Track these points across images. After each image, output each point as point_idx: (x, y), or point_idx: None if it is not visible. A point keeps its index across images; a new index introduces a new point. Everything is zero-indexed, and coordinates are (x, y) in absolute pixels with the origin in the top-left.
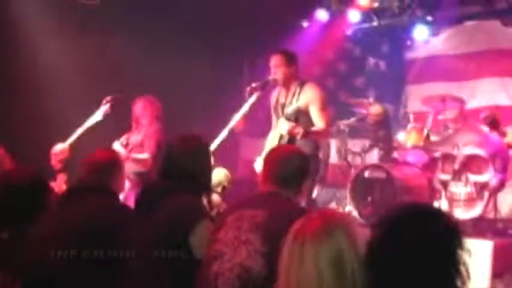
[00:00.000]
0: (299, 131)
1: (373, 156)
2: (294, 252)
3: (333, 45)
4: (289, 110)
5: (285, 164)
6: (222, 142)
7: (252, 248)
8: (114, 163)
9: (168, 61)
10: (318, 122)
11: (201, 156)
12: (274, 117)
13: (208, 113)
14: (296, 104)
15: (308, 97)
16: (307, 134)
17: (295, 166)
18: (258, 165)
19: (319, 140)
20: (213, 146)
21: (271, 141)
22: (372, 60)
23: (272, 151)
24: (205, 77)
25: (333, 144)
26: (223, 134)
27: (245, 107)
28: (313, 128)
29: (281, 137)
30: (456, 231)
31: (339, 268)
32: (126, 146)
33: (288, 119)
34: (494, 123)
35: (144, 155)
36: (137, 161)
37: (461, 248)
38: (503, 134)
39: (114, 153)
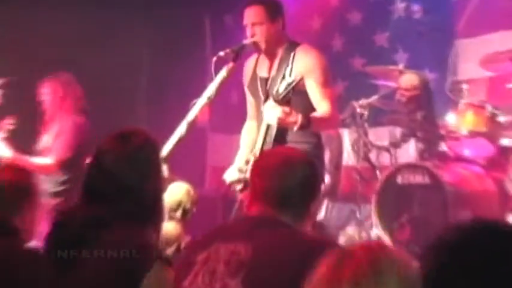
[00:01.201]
0: (296, 119)
1: (409, 152)
2: None
3: None
4: (281, 87)
5: (286, 175)
6: (178, 142)
7: None
8: (21, 188)
9: (95, 25)
10: (320, 103)
11: (146, 165)
12: (250, 100)
13: (156, 99)
14: (289, 78)
15: (302, 67)
16: (307, 123)
17: (301, 178)
18: (230, 174)
19: (324, 131)
20: (165, 149)
21: (249, 137)
22: (400, 4)
23: (265, 156)
24: (150, 48)
25: (346, 136)
26: (180, 130)
27: (210, 89)
28: (315, 114)
29: (267, 129)
30: None
31: None
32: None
33: (278, 101)
34: None
35: (46, 160)
36: (38, 168)
37: None
38: None
39: (21, 172)
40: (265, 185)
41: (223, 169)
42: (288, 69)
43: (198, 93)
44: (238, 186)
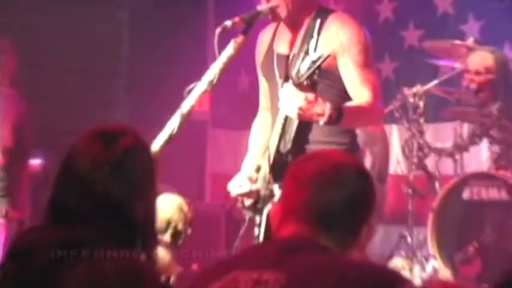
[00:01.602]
0: (322, 110)
1: (481, 157)
2: None
3: None
4: (304, 66)
5: (330, 187)
6: (169, 141)
7: None
8: None
9: None
10: (357, 90)
11: (137, 174)
12: (264, 86)
13: (141, 83)
14: (314, 54)
15: (334, 41)
16: (338, 116)
17: (350, 192)
18: (237, 185)
19: (363, 128)
20: (154, 148)
21: (261, 135)
22: None
23: (303, 162)
24: (131, 13)
25: (395, 135)
26: (172, 125)
27: (212, 71)
28: (350, 104)
29: (285, 123)
30: None
31: None
32: None
33: (299, 85)
34: None
35: None
36: None
37: None
38: None
39: None
40: (302, 199)
41: (227, 177)
42: (314, 43)
43: (195, 76)
44: (247, 201)
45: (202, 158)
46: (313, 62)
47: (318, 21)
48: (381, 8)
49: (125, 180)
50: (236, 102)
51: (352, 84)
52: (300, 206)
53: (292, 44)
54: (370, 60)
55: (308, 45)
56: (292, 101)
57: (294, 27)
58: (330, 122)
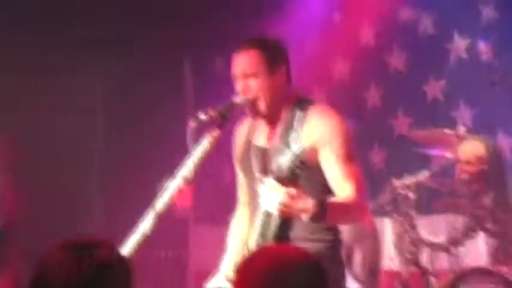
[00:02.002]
0: (306, 206)
1: (478, 251)
2: None
3: (374, 13)
4: (286, 160)
5: (275, 284)
6: (142, 241)
7: None
8: None
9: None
10: (340, 185)
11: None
12: (242, 181)
13: (115, 175)
14: (296, 147)
15: (316, 133)
16: (322, 212)
17: None
18: (214, 286)
19: (350, 224)
20: (126, 249)
21: (240, 233)
22: (460, 42)
23: (251, 259)
24: (105, 101)
25: (388, 228)
26: (145, 224)
27: (187, 166)
28: (335, 199)
29: (266, 220)
30: None
31: None
32: None
33: (281, 179)
34: None
35: None
36: None
37: None
38: None
39: None
40: None
41: (211, 275)
42: (296, 136)
43: (172, 168)
44: None
45: (184, 256)
46: (296, 155)
47: (298, 113)
48: (368, 95)
49: None
50: (220, 197)
51: (335, 179)
52: None
53: (270, 137)
54: (352, 152)
55: (288, 137)
56: (273, 196)
57: (272, 120)
58: (314, 218)
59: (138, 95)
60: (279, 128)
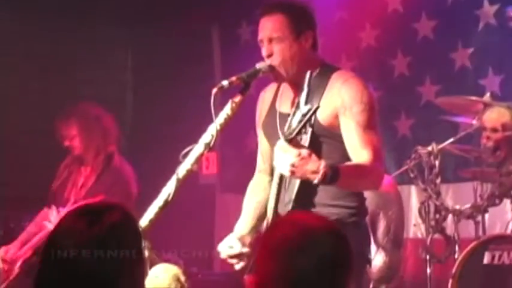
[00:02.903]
0: (317, 167)
1: (503, 218)
2: None
3: None
4: (295, 120)
5: (299, 254)
6: (164, 207)
7: None
8: None
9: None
10: (358, 151)
11: (122, 252)
12: (264, 146)
13: (144, 143)
14: (304, 107)
15: (337, 99)
16: (334, 175)
17: (320, 259)
18: (226, 246)
19: (377, 191)
20: (145, 218)
21: (256, 197)
22: (489, 8)
23: (273, 228)
24: (134, 73)
25: (413, 196)
26: (167, 190)
27: (209, 132)
28: (349, 164)
29: (280, 183)
30: None
31: None
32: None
33: (291, 140)
34: None
35: None
36: None
37: None
38: None
39: None
40: (272, 270)
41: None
42: (306, 97)
43: (195, 136)
44: (238, 265)
45: (210, 224)
46: (304, 115)
47: (325, 81)
48: (395, 63)
49: (110, 259)
50: (245, 165)
51: (352, 145)
52: (272, 278)
53: (294, 102)
54: (373, 120)
55: (300, 99)
56: (284, 157)
57: (297, 86)
58: (325, 180)
59: (166, 65)
60: (303, 94)
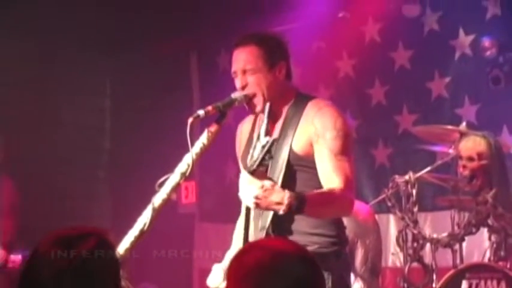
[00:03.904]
0: (281, 198)
1: (480, 248)
2: None
3: (379, 10)
4: (256, 151)
5: (272, 281)
6: (141, 235)
7: None
8: None
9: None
10: (329, 178)
11: (93, 279)
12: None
13: (123, 169)
14: (264, 138)
15: (311, 127)
16: (300, 205)
17: (293, 284)
18: (214, 278)
19: (355, 220)
20: (122, 246)
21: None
22: (465, 38)
23: (243, 253)
24: (112, 101)
25: (392, 224)
26: (143, 219)
27: (185, 162)
28: (317, 191)
29: (248, 214)
30: None
31: None
32: None
33: (254, 171)
34: None
35: None
36: None
37: None
38: None
39: None
40: None
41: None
42: (292, 130)
43: (173, 165)
44: None
45: (189, 253)
46: (263, 147)
47: (301, 111)
48: (373, 92)
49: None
50: (224, 194)
51: (324, 172)
52: None
53: (271, 133)
54: (346, 147)
55: (285, 134)
56: (248, 189)
57: (272, 115)
58: (290, 210)
59: (145, 92)
60: (279, 124)
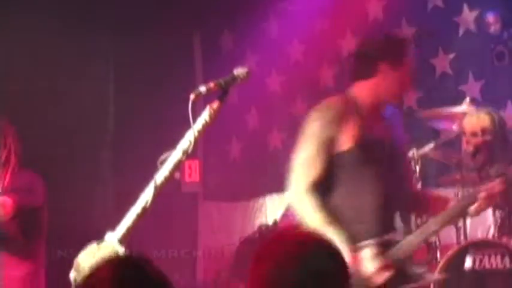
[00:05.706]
0: None
1: (485, 224)
2: None
3: None
4: None
5: (292, 268)
6: (142, 215)
7: None
8: None
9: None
10: None
11: None
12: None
13: (127, 149)
14: None
15: None
16: None
17: (315, 272)
18: None
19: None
20: (121, 227)
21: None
22: (469, 14)
23: (269, 242)
24: (116, 80)
25: None
26: (145, 198)
27: (187, 139)
28: None
29: None
30: None
31: None
32: None
33: None
34: None
35: None
36: None
37: None
38: None
39: None
40: (266, 277)
41: (221, 252)
42: None
43: (175, 142)
44: None
45: (193, 232)
46: None
47: None
48: None
49: None
50: (228, 172)
51: None
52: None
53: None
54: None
55: None
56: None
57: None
58: None
59: (148, 74)
60: None
